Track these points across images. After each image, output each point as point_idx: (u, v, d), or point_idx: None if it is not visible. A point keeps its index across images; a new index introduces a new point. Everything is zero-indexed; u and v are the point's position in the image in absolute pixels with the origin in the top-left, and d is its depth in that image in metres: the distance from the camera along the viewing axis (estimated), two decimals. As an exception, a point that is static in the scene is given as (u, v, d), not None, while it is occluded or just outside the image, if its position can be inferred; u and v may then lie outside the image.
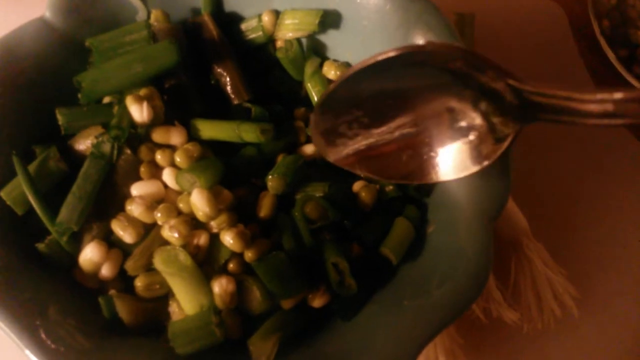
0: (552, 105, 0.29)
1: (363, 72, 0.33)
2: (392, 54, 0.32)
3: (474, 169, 0.35)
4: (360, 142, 0.37)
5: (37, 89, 0.42)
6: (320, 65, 0.46)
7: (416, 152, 0.37)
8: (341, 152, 0.38)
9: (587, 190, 0.55)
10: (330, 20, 0.44)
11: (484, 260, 0.36)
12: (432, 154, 0.36)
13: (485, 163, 0.35)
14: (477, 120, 0.34)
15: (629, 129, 0.58)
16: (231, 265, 0.38)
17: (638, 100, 0.26)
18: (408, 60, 0.33)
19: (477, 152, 0.35)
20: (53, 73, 0.42)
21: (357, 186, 0.41)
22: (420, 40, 0.40)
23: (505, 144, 0.33)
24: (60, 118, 0.40)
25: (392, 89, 0.35)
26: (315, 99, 0.46)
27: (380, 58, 0.32)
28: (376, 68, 0.33)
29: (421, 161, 0.37)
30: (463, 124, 0.34)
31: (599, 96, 0.28)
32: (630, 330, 0.50)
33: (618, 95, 0.27)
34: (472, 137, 0.35)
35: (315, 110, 0.37)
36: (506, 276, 0.48)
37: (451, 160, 0.36)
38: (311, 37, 0.46)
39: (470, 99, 0.34)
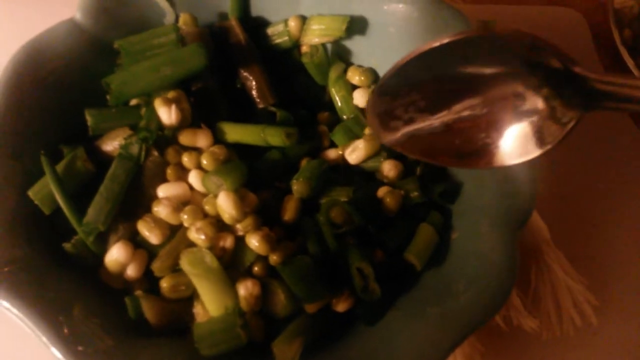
0: (617, 94, 0.30)
1: (426, 54, 0.33)
2: (459, 36, 0.32)
3: (536, 152, 0.35)
4: (414, 126, 0.37)
5: (66, 90, 0.42)
6: (345, 71, 0.47)
7: (473, 136, 0.36)
8: (394, 135, 0.38)
9: (609, 200, 0.55)
10: (356, 26, 0.45)
11: (509, 269, 0.36)
12: (490, 138, 0.36)
13: (548, 147, 0.34)
14: (540, 105, 0.34)
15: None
16: (256, 268, 0.39)
17: None
18: (473, 44, 0.33)
19: (539, 135, 0.34)
20: (81, 74, 0.43)
21: (381, 191, 0.41)
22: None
23: (568, 127, 0.33)
24: (89, 119, 0.40)
25: (452, 72, 0.35)
26: (339, 104, 0.46)
27: (446, 40, 0.32)
28: (439, 51, 0.33)
29: (477, 146, 0.36)
30: (525, 107, 0.34)
31: None
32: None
33: None
34: (534, 120, 0.34)
35: (374, 92, 0.37)
36: (526, 284, 0.48)
37: (512, 144, 0.35)
38: (336, 43, 0.47)
39: (534, 84, 0.33)
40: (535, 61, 0.33)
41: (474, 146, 0.36)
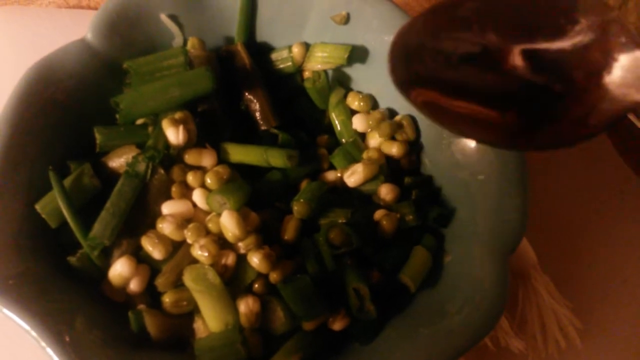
0: None
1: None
2: None
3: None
4: (432, 75, 0.34)
5: (75, 107, 0.43)
6: (345, 96, 0.48)
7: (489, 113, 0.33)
8: (409, 75, 0.35)
9: (593, 227, 0.57)
10: (357, 54, 0.47)
11: (500, 293, 0.38)
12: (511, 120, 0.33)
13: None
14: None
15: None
16: (256, 286, 0.40)
17: None
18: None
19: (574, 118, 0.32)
20: (90, 92, 0.44)
21: (378, 214, 0.43)
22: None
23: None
24: (98, 137, 0.42)
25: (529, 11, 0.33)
26: (339, 128, 0.48)
27: None
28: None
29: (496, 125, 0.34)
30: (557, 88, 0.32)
31: None
32: (630, 361, 0.52)
33: None
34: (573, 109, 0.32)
35: (418, 16, 0.34)
36: (514, 306, 0.50)
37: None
38: (337, 69, 0.48)
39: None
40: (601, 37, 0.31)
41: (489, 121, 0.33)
